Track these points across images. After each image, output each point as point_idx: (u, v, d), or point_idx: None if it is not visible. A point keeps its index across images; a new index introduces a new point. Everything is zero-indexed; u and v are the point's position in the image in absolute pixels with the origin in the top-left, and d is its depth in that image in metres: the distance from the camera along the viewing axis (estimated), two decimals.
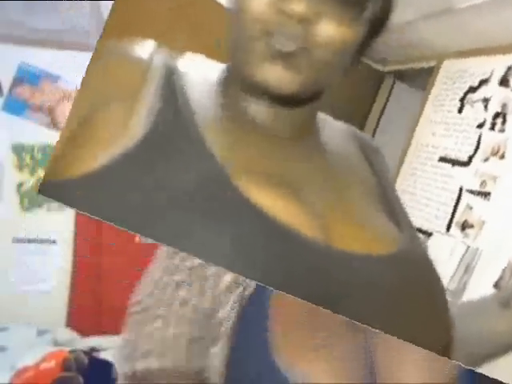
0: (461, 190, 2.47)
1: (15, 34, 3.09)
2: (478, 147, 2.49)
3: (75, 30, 3.01)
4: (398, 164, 2.95)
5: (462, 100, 2.72)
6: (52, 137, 3.33)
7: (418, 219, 2.62)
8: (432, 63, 3.10)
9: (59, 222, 3.24)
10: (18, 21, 2.89)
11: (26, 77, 3.25)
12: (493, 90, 2.56)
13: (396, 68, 3.40)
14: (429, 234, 2.48)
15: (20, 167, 3.24)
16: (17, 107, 3.24)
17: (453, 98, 2.76)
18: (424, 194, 2.67)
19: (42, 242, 3.24)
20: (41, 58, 3.23)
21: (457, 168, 2.56)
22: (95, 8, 2.69)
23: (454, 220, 2.44)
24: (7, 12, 2.77)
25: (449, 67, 2.94)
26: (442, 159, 2.66)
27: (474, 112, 2.62)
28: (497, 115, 2.48)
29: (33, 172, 3.23)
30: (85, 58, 3.00)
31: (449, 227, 2.45)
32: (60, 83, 3.28)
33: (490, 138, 2.45)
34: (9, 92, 3.24)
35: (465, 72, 2.79)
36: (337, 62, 0.72)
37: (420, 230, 2.54)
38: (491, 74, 2.63)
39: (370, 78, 3.40)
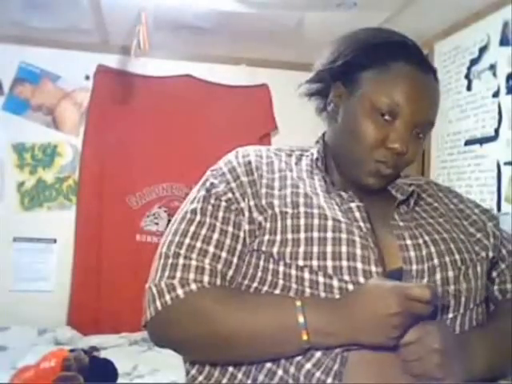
0: (498, 165, 2.35)
1: (15, 33, 3.10)
2: (500, 117, 2.36)
3: (76, 30, 3.01)
4: (425, 165, 2.87)
5: (467, 77, 2.60)
6: (52, 136, 3.37)
7: None
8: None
9: (59, 222, 3.25)
10: (19, 21, 2.88)
11: (27, 76, 3.26)
12: (496, 53, 2.42)
13: None
14: None
15: (20, 166, 3.25)
16: (17, 107, 3.25)
17: (457, 79, 2.66)
18: (462, 182, 2.58)
19: (42, 241, 3.24)
20: (41, 58, 3.24)
21: (486, 146, 2.44)
22: (95, 7, 2.69)
23: (503, 197, 2.31)
24: (8, 12, 2.77)
25: (442, 49, 2.83)
26: (468, 142, 2.55)
27: (484, 83, 2.47)
28: (509, 77, 2.31)
29: (33, 171, 3.24)
30: (85, 57, 3.02)
31: (499, 206, 2.32)
32: (60, 83, 3.29)
33: (510, 102, 2.31)
34: (9, 91, 3.24)
35: (459, 47, 2.67)
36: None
37: None
38: (488, 38, 2.46)
39: None
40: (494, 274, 1.10)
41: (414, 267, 0.97)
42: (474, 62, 2.56)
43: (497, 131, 2.38)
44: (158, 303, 0.97)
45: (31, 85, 3.26)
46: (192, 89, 3.36)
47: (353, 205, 1.01)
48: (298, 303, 0.90)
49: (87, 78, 3.29)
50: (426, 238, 1.01)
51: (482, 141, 2.47)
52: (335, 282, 0.93)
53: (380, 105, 1.00)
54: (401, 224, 1.03)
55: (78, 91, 3.29)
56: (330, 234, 0.95)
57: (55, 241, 3.25)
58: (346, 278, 0.93)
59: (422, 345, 0.89)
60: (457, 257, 1.00)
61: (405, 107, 1.00)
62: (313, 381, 0.89)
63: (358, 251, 0.94)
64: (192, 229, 1.01)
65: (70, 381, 2.13)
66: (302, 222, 0.97)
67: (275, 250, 0.95)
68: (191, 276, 0.96)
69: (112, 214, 3.25)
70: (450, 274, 0.98)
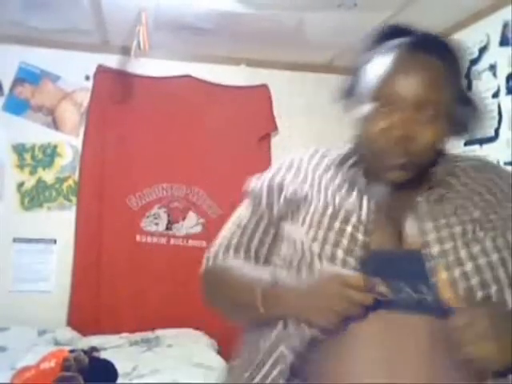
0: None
1: (16, 33, 3.10)
2: (500, 117, 2.36)
3: (76, 30, 3.01)
4: None
5: (467, 77, 2.56)
6: (52, 136, 3.35)
7: None
8: None
9: (59, 222, 3.25)
10: (19, 21, 2.88)
11: (27, 76, 3.26)
12: (495, 53, 2.42)
13: None
14: None
15: (21, 167, 3.25)
16: (17, 107, 3.24)
17: None
18: None
19: (42, 241, 3.24)
20: (41, 58, 3.24)
21: (486, 146, 2.43)
22: (95, 8, 2.69)
23: None
24: (8, 12, 2.77)
25: None
26: (468, 142, 2.50)
27: (484, 83, 2.46)
28: (509, 77, 2.31)
29: (33, 172, 3.24)
30: (85, 57, 3.02)
31: None
32: (60, 83, 3.29)
33: (510, 103, 2.30)
34: (9, 92, 3.24)
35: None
36: (433, 151, 1.05)
37: None
38: (488, 38, 2.47)
39: None
40: None
41: (436, 249, 0.99)
42: (473, 62, 2.56)
43: (497, 131, 2.38)
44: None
45: (31, 85, 3.26)
46: (192, 89, 3.36)
47: (364, 198, 1.05)
48: (266, 280, 1.03)
49: (87, 78, 3.29)
50: (450, 219, 1.02)
51: (482, 141, 2.46)
52: (316, 263, 1.01)
53: (374, 95, 1.02)
54: (424, 210, 1.04)
55: (78, 91, 3.29)
56: (326, 220, 1.04)
57: (55, 241, 3.25)
58: (325, 261, 1.00)
59: (472, 329, 0.91)
60: (480, 234, 1.00)
61: (396, 90, 1.00)
62: (275, 354, 1.00)
63: (344, 240, 1.01)
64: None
65: (70, 381, 2.13)
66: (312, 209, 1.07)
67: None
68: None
69: (112, 215, 3.25)
70: (476, 249, 0.99)
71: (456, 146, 2.83)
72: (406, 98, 1.00)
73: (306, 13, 2.65)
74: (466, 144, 2.58)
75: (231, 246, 1.15)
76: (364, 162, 1.11)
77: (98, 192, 3.26)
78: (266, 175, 1.18)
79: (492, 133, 2.40)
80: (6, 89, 3.24)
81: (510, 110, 2.32)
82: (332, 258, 0.99)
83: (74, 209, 3.25)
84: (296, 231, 1.05)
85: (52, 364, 2.20)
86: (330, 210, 1.04)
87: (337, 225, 1.02)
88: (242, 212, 1.19)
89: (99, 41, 3.22)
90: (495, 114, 2.39)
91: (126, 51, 3.07)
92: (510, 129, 2.31)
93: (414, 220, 1.04)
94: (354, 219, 1.03)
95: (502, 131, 2.36)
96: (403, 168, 1.02)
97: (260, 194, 1.15)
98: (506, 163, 2.32)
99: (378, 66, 1.04)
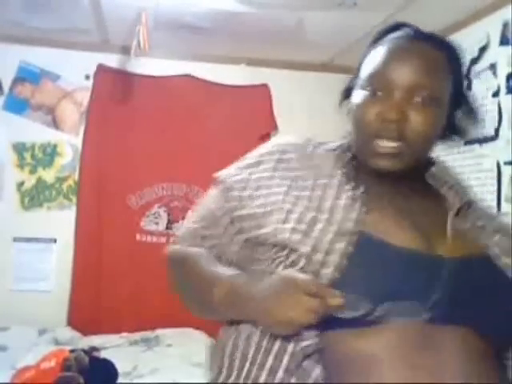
0: (498, 164, 2.34)
1: (16, 33, 3.09)
2: (500, 116, 2.34)
3: (76, 30, 3.01)
4: None
5: (467, 76, 2.51)
6: (52, 136, 3.35)
7: None
8: None
9: (59, 221, 3.25)
10: (19, 20, 2.88)
11: (27, 76, 3.25)
12: (496, 52, 2.41)
13: None
14: None
15: (21, 166, 3.25)
16: (17, 106, 3.24)
17: None
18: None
19: (42, 241, 3.24)
20: (41, 58, 3.24)
21: (486, 145, 2.42)
22: (95, 7, 2.69)
23: (502, 197, 2.31)
24: (8, 12, 2.77)
25: None
26: (468, 142, 2.40)
27: (484, 82, 2.46)
28: (509, 76, 2.30)
29: (33, 171, 3.24)
30: (85, 57, 3.02)
31: (499, 205, 2.31)
32: (60, 82, 3.29)
33: (510, 102, 2.29)
34: (9, 91, 3.24)
35: (459, 47, 2.65)
36: (428, 142, 1.03)
37: None
38: (488, 37, 2.46)
39: None
40: None
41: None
42: (473, 61, 2.56)
43: (497, 131, 2.37)
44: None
45: (31, 84, 3.26)
46: (192, 89, 3.36)
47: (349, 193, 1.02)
48: (228, 278, 0.99)
49: (87, 77, 3.29)
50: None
51: (482, 140, 2.46)
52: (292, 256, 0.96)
53: (368, 81, 1.02)
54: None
55: (78, 91, 3.29)
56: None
57: (55, 240, 3.25)
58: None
59: None
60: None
61: (390, 74, 1.00)
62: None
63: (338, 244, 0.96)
64: None
65: (70, 381, 2.13)
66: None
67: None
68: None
69: (112, 214, 3.25)
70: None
71: (456, 145, 2.84)
72: (400, 82, 0.99)
73: (306, 12, 2.65)
74: (465, 143, 2.58)
75: (198, 234, 1.13)
76: (358, 157, 1.08)
77: (98, 191, 3.26)
78: (243, 165, 1.12)
79: (492, 132, 2.40)
80: (6, 88, 3.24)
81: (510, 110, 2.31)
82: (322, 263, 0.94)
83: (73, 208, 3.25)
84: (275, 230, 0.98)
85: (52, 364, 2.20)
86: (319, 210, 0.99)
87: (327, 228, 0.97)
88: (213, 200, 1.13)
89: (99, 40, 3.21)
90: (495, 113, 2.38)
91: (126, 50, 3.07)
92: (509, 128, 2.31)
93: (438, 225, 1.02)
94: (347, 225, 0.97)
95: (501, 131, 2.35)
96: (396, 155, 0.99)
97: (232, 187, 1.09)
98: (505, 163, 2.32)
99: (375, 54, 1.04)
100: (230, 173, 1.11)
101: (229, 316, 1.00)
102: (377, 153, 1.00)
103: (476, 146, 2.50)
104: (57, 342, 2.85)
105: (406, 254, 0.96)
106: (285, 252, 0.95)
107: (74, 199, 3.26)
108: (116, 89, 3.26)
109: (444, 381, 0.88)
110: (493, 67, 2.43)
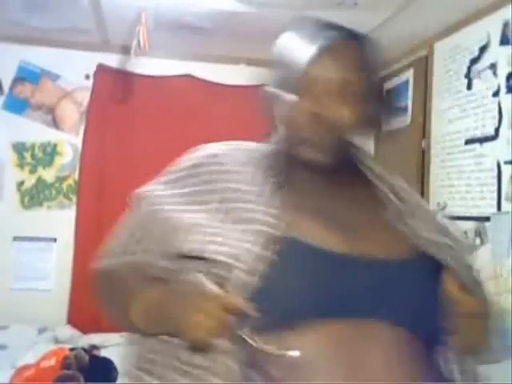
0: (498, 164, 2.33)
1: (16, 33, 3.10)
2: (501, 116, 2.34)
3: (76, 29, 3.02)
4: (425, 164, 2.86)
5: (467, 76, 2.58)
6: (52, 135, 3.34)
7: (462, 208, 2.53)
8: (423, 52, 2.96)
9: (59, 221, 3.25)
10: (19, 20, 2.89)
11: (27, 76, 3.26)
12: (496, 52, 2.40)
13: (388, 72, 3.36)
14: (485, 219, 2.36)
15: (21, 166, 3.25)
16: (17, 106, 3.25)
17: (457, 78, 2.64)
18: (462, 181, 2.57)
19: (42, 240, 3.24)
20: (41, 57, 3.24)
21: (486, 144, 2.42)
22: (95, 7, 2.70)
23: (503, 196, 2.30)
24: (8, 12, 2.77)
25: (442, 48, 2.80)
26: (469, 141, 2.53)
27: (484, 82, 2.46)
28: (510, 76, 2.30)
29: (33, 170, 3.24)
30: (85, 56, 3.01)
31: (499, 205, 2.31)
32: (60, 82, 3.29)
33: (510, 102, 2.28)
34: (9, 91, 3.24)
35: (459, 47, 2.64)
36: (354, 133, 1.06)
37: (472, 218, 2.44)
38: (488, 37, 2.44)
39: None
40: None
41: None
42: (474, 61, 2.56)
43: (497, 130, 2.38)
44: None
45: (31, 84, 3.27)
46: (192, 88, 3.37)
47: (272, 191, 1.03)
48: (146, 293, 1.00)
49: (87, 77, 3.30)
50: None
51: (482, 140, 2.47)
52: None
53: (295, 80, 1.04)
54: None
55: (78, 90, 3.29)
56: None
57: (55, 240, 3.26)
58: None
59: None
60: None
61: (317, 72, 1.02)
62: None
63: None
64: None
65: (71, 380, 2.13)
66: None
67: None
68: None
69: (112, 213, 3.24)
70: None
71: (456, 145, 2.83)
72: (330, 79, 1.02)
73: (306, 12, 2.65)
74: (466, 143, 2.58)
75: (124, 249, 1.13)
76: (288, 155, 1.10)
77: (98, 191, 3.26)
78: (163, 181, 1.16)
79: (492, 131, 2.40)
80: (6, 88, 3.24)
81: (510, 109, 2.31)
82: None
83: (73, 207, 3.26)
84: (197, 244, 0.99)
85: (52, 362, 2.21)
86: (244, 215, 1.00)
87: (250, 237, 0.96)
88: (137, 216, 1.16)
89: (99, 40, 3.22)
90: (495, 113, 2.39)
91: (126, 50, 3.07)
92: (509, 128, 2.31)
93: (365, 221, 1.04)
94: (268, 229, 0.97)
95: (502, 130, 2.36)
96: (329, 148, 1.03)
97: (154, 202, 1.12)
98: (506, 162, 2.32)
99: (301, 52, 1.05)
100: (151, 189, 1.16)
101: (151, 332, 1.00)
102: (312, 151, 1.03)
103: (476, 146, 2.50)
104: (57, 341, 2.86)
105: (330, 256, 0.97)
106: (208, 264, 0.95)
107: (74, 199, 3.26)
108: (116, 89, 3.26)
109: (370, 378, 0.90)
110: (493, 67, 2.43)
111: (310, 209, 1.03)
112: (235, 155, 1.15)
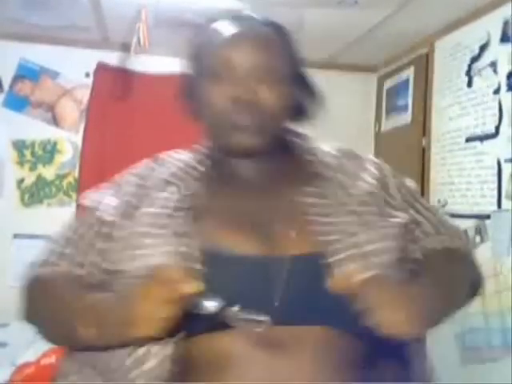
0: (498, 162, 2.33)
1: (15, 30, 3.09)
2: (501, 114, 2.34)
3: (76, 27, 3.02)
4: (425, 161, 2.87)
5: (468, 74, 2.59)
6: (52, 133, 3.33)
7: (462, 206, 2.54)
8: (423, 50, 2.96)
9: (60, 218, 3.23)
10: (18, 18, 2.88)
11: (27, 73, 3.25)
12: (496, 50, 2.40)
13: (388, 70, 3.31)
14: (486, 217, 2.37)
15: (21, 163, 3.26)
16: (17, 103, 3.25)
17: (457, 76, 2.64)
18: (462, 179, 2.57)
19: (42, 237, 3.23)
20: (41, 55, 3.24)
21: (486, 142, 2.42)
22: (95, 5, 2.70)
23: (503, 194, 2.30)
24: (7, 9, 2.77)
25: (442, 46, 2.81)
26: (469, 139, 2.53)
27: (485, 80, 2.46)
28: (510, 74, 2.29)
29: (33, 168, 3.24)
30: (85, 54, 3.00)
31: (499, 202, 2.31)
32: (60, 80, 3.29)
33: (510, 100, 2.28)
34: (9, 88, 3.24)
35: (460, 45, 2.65)
36: (278, 118, 1.07)
37: (472, 216, 2.44)
38: (489, 35, 2.44)
39: (365, 89, 3.36)
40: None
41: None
42: (474, 59, 2.56)
43: (497, 128, 2.38)
44: None
45: (31, 82, 3.27)
46: None
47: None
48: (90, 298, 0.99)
49: (87, 75, 3.29)
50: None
51: (483, 138, 2.47)
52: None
53: (210, 70, 1.06)
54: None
55: (78, 88, 3.29)
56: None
57: None
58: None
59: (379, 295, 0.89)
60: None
61: (231, 59, 1.04)
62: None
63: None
64: None
65: None
66: None
67: None
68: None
69: None
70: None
71: (456, 143, 2.83)
72: (245, 64, 1.04)
73: (306, 10, 2.65)
74: (467, 141, 2.58)
75: (61, 258, 1.12)
76: (214, 153, 1.14)
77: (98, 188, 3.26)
78: (104, 196, 1.18)
79: (493, 129, 2.41)
80: (6, 86, 3.24)
81: (511, 107, 2.31)
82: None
83: (74, 205, 3.26)
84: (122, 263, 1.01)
85: (53, 360, 2.21)
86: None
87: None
88: (76, 225, 1.18)
89: (99, 38, 3.22)
90: (496, 110, 2.39)
91: (125, 48, 3.07)
92: (510, 126, 2.31)
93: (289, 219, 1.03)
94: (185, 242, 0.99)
95: (502, 128, 2.36)
96: (252, 131, 1.04)
97: (92, 217, 1.13)
98: (506, 160, 2.32)
99: (212, 43, 1.09)
100: (94, 205, 1.17)
101: (100, 343, 0.97)
102: (233, 130, 1.04)
103: (477, 144, 2.51)
104: None
105: (244, 260, 0.98)
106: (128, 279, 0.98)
107: (74, 196, 3.26)
108: (116, 86, 3.26)
109: (294, 381, 0.91)
110: (493, 65, 2.44)
111: (230, 213, 1.04)
112: (158, 173, 1.20)
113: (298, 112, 1.14)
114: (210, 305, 0.88)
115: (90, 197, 1.20)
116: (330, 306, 0.93)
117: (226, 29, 1.09)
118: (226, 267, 0.97)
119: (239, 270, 0.97)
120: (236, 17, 1.14)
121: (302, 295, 0.95)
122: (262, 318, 0.89)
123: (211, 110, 1.07)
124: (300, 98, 1.12)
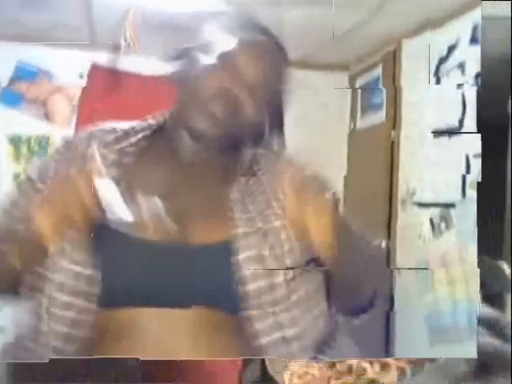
0: (466, 155, 2.37)
1: (10, 32, 3.13)
2: (464, 107, 2.40)
3: (68, 28, 3.06)
4: (394, 154, 2.92)
5: (436, 74, 2.64)
6: (47, 129, 3.34)
7: (430, 195, 2.61)
8: (391, 48, 2.99)
9: None
10: (13, 19, 2.93)
11: (23, 75, 3.31)
12: (465, 51, 2.44)
13: (360, 68, 3.35)
14: (451, 205, 2.44)
15: (17, 158, 3.31)
16: (13, 99, 3.30)
17: (425, 73, 2.66)
18: (429, 170, 2.63)
19: None
20: (35, 55, 3.29)
21: (453, 136, 2.48)
22: (87, 5, 2.76)
23: (467, 184, 2.37)
24: (1, 10, 2.79)
25: (410, 45, 2.87)
26: (436, 132, 2.59)
27: (452, 79, 2.51)
28: (478, 75, 2.29)
29: (29, 163, 3.25)
30: (78, 55, 2.97)
31: (464, 192, 2.38)
32: (55, 80, 3.34)
33: (475, 95, 2.27)
34: (5, 86, 3.28)
35: (428, 45, 2.67)
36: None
37: (438, 205, 2.51)
38: (458, 37, 2.48)
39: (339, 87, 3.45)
40: None
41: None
42: (442, 60, 2.63)
43: (461, 122, 2.45)
44: None
45: (27, 82, 3.34)
46: None
47: None
48: None
49: (81, 76, 3.37)
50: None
51: (449, 131, 2.54)
52: None
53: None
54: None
55: (72, 88, 3.37)
56: None
57: None
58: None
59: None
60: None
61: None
62: None
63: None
64: None
65: None
66: None
67: None
68: None
69: None
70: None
71: (424, 137, 2.90)
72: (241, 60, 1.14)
73: (281, 9, 2.70)
74: (434, 134, 2.64)
75: None
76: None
77: None
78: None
79: (457, 123, 2.48)
80: (3, 83, 3.30)
81: (475, 102, 2.36)
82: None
83: None
84: None
85: None
86: None
87: None
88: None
89: (92, 38, 3.25)
90: (461, 105, 2.45)
91: (117, 49, 3.10)
92: (475, 119, 2.36)
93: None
94: None
95: (467, 122, 2.43)
96: (224, 121, 1.12)
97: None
98: (474, 155, 2.37)
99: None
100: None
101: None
102: (209, 118, 1.14)
103: (444, 137, 2.58)
104: None
105: (146, 246, 1.04)
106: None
107: None
108: (109, 87, 3.32)
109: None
110: (461, 66, 2.50)
111: (156, 191, 1.08)
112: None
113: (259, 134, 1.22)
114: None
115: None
116: (226, 292, 1.04)
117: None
118: (127, 250, 1.05)
119: (139, 254, 1.05)
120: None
121: (203, 281, 1.04)
122: None
123: (201, 93, 1.15)
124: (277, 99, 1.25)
